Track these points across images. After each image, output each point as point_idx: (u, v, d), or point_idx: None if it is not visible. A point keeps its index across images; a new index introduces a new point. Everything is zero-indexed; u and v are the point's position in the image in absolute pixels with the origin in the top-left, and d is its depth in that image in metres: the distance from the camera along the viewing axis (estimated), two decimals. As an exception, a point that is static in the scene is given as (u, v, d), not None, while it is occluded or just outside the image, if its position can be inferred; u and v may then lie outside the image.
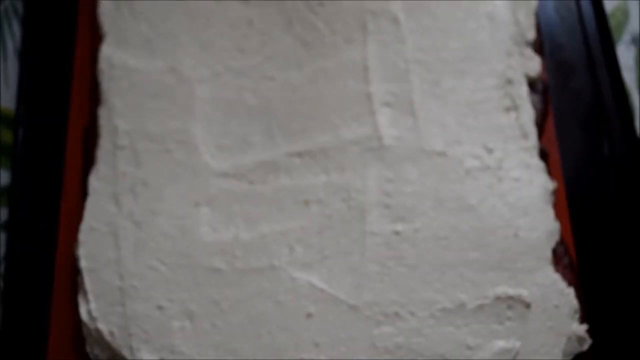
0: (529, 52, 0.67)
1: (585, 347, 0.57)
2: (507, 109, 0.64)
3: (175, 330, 0.57)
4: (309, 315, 0.57)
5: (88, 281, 0.58)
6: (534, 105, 0.65)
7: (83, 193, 0.63)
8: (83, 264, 0.59)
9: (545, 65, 0.68)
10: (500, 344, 0.56)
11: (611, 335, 0.59)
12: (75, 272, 0.60)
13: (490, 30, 0.68)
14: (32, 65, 0.69)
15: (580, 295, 0.59)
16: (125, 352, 0.56)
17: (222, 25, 0.68)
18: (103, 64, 0.66)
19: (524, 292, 0.58)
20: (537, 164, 0.62)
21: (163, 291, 0.58)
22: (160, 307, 0.57)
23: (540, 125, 0.65)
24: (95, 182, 0.62)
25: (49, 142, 0.66)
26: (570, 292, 0.58)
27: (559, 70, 0.69)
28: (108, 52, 0.67)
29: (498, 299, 0.58)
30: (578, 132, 0.67)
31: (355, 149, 0.63)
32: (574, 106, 0.68)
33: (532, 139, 0.63)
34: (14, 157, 0.66)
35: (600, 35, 0.70)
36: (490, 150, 0.63)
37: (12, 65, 0.70)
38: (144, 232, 0.60)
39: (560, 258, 0.60)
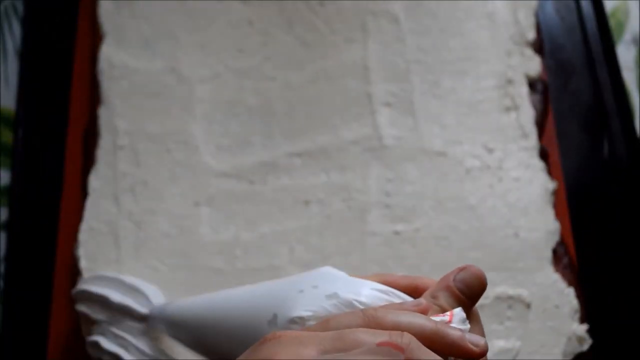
0: (529, 52, 0.67)
1: (585, 347, 0.57)
2: (507, 109, 0.64)
3: (175, 330, 0.57)
4: (309, 315, 0.57)
5: (88, 281, 0.58)
6: (534, 105, 0.65)
7: (83, 193, 0.63)
8: (83, 264, 0.59)
9: (545, 65, 0.68)
10: (500, 344, 0.56)
11: (611, 335, 0.59)
12: (75, 272, 0.60)
13: (490, 30, 0.68)
14: (32, 65, 0.69)
15: (580, 295, 0.59)
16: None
17: (222, 25, 0.68)
18: (103, 64, 0.66)
19: (524, 292, 0.58)
20: (537, 164, 0.62)
21: (163, 291, 0.58)
22: (160, 307, 0.57)
23: (540, 125, 0.65)
24: (95, 182, 0.62)
25: (49, 142, 0.66)
26: (570, 292, 0.58)
27: (559, 70, 0.69)
28: (108, 52, 0.67)
29: (498, 299, 0.57)
30: (578, 132, 0.67)
31: (355, 149, 0.63)
32: (574, 106, 0.68)
33: (532, 139, 0.63)
34: (14, 157, 0.66)
35: (600, 35, 0.70)
36: (490, 150, 0.63)
37: (12, 65, 0.70)
38: (144, 232, 0.60)
39: (560, 258, 0.60)
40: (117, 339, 0.55)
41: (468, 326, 0.36)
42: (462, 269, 0.38)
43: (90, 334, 0.56)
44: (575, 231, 0.63)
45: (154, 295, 0.56)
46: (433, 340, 0.34)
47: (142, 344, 0.54)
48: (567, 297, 0.58)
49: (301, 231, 0.60)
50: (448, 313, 0.36)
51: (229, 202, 0.61)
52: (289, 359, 0.32)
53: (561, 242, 0.61)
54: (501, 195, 0.61)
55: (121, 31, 0.68)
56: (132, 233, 0.60)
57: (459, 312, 0.36)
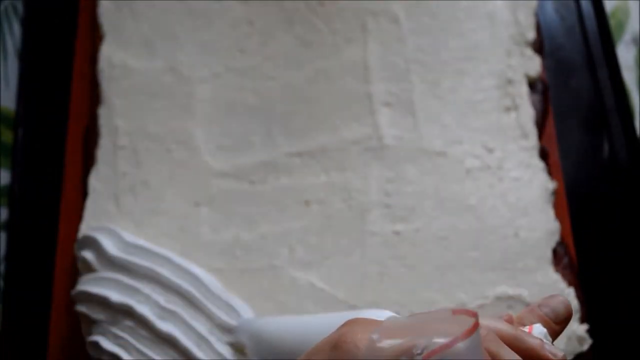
0: (529, 52, 0.67)
1: (585, 347, 0.57)
2: (507, 109, 0.64)
3: (175, 330, 0.57)
4: (309, 315, 0.57)
5: (88, 281, 0.58)
6: (534, 105, 0.65)
7: (83, 193, 0.63)
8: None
9: (545, 65, 0.68)
10: (500, 344, 0.56)
11: (611, 335, 0.59)
12: (75, 272, 0.59)
13: (490, 30, 0.68)
14: (32, 65, 0.69)
15: (580, 295, 0.59)
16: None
17: (222, 25, 0.68)
18: (103, 64, 0.66)
19: (524, 292, 0.58)
20: (537, 164, 0.62)
21: (163, 291, 0.58)
22: (160, 307, 0.57)
23: (540, 125, 0.65)
24: (95, 182, 0.62)
25: (49, 142, 0.66)
26: (570, 292, 0.58)
27: (559, 70, 0.69)
28: (108, 52, 0.67)
29: (498, 299, 0.57)
30: (578, 132, 0.67)
31: (355, 149, 0.63)
32: (574, 106, 0.68)
33: (532, 139, 0.63)
34: (14, 157, 0.66)
35: (600, 35, 0.70)
36: (490, 150, 0.63)
37: (12, 65, 0.70)
38: (143, 232, 0.60)
39: (560, 258, 0.60)
40: (117, 339, 0.55)
41: (549, 341, 0.37)
42: (548, 297, 0.39)
43: (90, 334, 0.56)
44: (575, 231, 0.63)
45: (157, 293, 0.56)
46: (511, 343, 0.34)
47: (142, 345, 0.54)
48: (567, 297, 0.58)
49: (301, 231, 0.60)
50: (528, 326, 0.37)
51: (229, 202, 0.61)
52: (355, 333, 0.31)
53: (561, 242, 0.61)
54: (501, 195, 0.61)
55: (121, 31, 0.68)
56: (132, 233, 0.60)
57: (539, 326, 0.37)
